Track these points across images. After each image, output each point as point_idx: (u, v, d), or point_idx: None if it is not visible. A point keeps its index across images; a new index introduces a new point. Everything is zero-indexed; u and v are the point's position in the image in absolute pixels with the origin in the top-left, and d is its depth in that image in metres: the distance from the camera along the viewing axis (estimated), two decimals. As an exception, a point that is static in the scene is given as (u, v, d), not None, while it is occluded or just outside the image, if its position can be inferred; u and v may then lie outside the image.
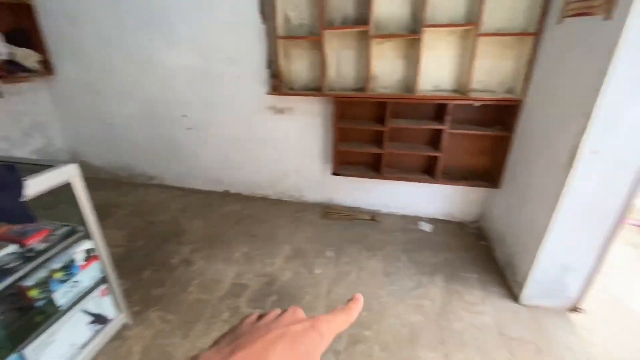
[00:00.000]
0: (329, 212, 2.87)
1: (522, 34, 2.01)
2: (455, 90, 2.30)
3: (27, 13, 2.85)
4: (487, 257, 2.33)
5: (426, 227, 2.69)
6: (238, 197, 3.18)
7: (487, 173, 2.48)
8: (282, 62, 2.41)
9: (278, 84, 2.46)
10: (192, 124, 3.01)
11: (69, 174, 1.35)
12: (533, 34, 1.96)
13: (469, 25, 2.02)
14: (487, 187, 2.42)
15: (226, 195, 3.22)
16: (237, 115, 2.85)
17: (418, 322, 1.79)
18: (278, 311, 0.32)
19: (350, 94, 2.37)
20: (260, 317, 0.31)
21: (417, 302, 1.93)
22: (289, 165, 2.96)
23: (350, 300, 0.35)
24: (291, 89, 2.57)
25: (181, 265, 2.22)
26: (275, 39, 2.32)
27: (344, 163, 2.74)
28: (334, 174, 2.65)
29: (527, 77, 2.04)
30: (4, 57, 2.68)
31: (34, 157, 3.16)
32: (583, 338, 1.72)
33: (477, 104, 2.19)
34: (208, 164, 3.17)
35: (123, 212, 2.89)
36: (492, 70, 2.20)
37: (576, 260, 1.75)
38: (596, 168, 1.52)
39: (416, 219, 2.80)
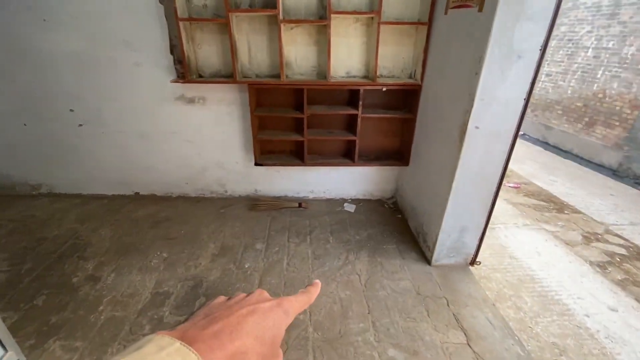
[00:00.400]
0: (256, 204, 2.81)
1: (417, 23, 2.20)
2: (365, 77, 2.43)
3: None
4: (403, 228, 2.58)
5: (350, 207, 2.84)
6: (152, 199, 2.89)
7: (398, 153, 2.71)
8: (186, 46, 2.21)
9: (184, 71, 2.26)
10: (83, 119, 2.59)
11: None
12: (425, 23, 2.16)
13: (372, 13, 2.13)
14: (399, 165, 2.65)
15: (137, 198, 2.89)
16: (140, 106, 2.54)
17: (347, 297, 1.90)
18: (244, 294, 0.34)
19: (265, 80, 2.32)
20: (229, 299, 0.33)
21: (346, 278, 2.04)
22: (208, 159, 2.78)
23: (309, 285, 0.40)
24: (200, 76, 2.39)
25: (86, 284, 1.93)
26: (176, 21, 2.11)
27: (266, 152, 2.69)
28: (257, 164, 2.59)
29: (424, 63, 2.26)
30: None
31: None
32: (481, 286, 2.05)
33: (384, 89, 2.36)
34: (110, 165, 2.78)
35: (1, 232, 2.37)
36: (394, 57, 2.38)
37: (470, 221, 2.06)
38: (479, 142, 1.79)
39: (341, 202, 2.93)
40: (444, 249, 2.15)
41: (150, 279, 1.98)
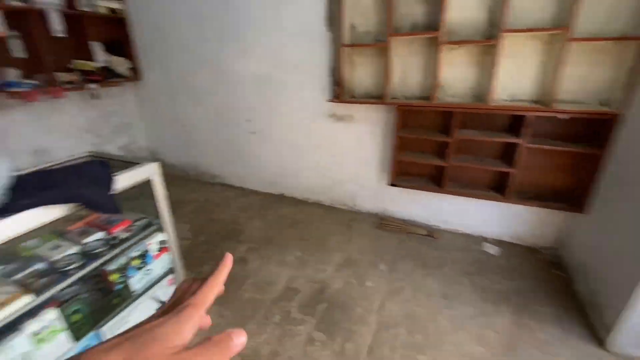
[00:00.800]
0: (384, 223, 2.78)
1: (623, 38, 1.74)
2: (536, 101, 2.08)
3: (123, 25, 3.26)
4: (564, 289, 2.05)
5: (492, 249, 2.46)
6: (292, 201, 3.25)
7: (569, 194, 2.19)
8: (345, 69, 2.41)
9: (340, 91, 2.46)
10: (255, 128, 3.16)
11: (151, 171, 1.48)
12: (637, 38, 1.69)
13: (557, 29, 1.81)
14: (569, 210, 2.13)
15: (281, 199, 3.31)
16: (298, 121, 2.92)
17: (480, 355, 1.63)
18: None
19: (414, 102, 2.28)
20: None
21: (479, 331, 1.76)
22: (345, 173, 2.94)
23: (220, 262, 0.36)
24: (353, 96, 2.56)
25: (238, 263, 2.32)
26: (339, 46, 2.33)
27: (403, 174, 2.63)
28: (392, 184, 2.56)
29: (630, 88, 1.76)
30: (102, 64, 3.08)
31: (121, 152, 3.58)
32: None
33: (564, 116, 1.95)
34: (266, 167, 3.29)
35: (189, 208, 3.13)
36: (582, 79, 1.95)
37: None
38: None
39: (479, 239, 2.58)
40: (631, 335, 1.59)
41: (285, 273, 2.22)
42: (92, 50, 2.97)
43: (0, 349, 1.04)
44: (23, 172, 1.27)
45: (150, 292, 1.63)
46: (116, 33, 3.27)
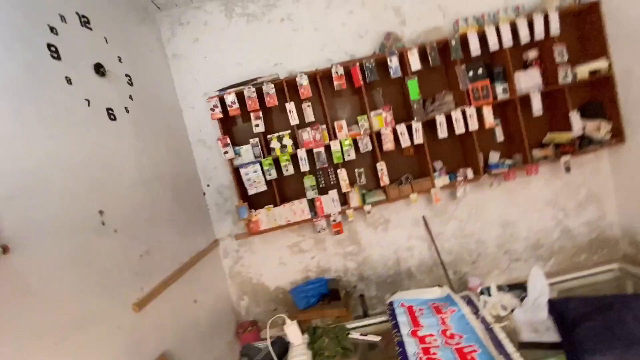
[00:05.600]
0: None
1: None
2: None
3: (604, 85, 2.77)
4: None
5: None
6: None
7: None
8: None
9: None
10: None
11: None
12: None
13: None
14: None
15: None
16: None
17: None
18: None
19: None
20: None
21: None
22: None
23: None
24: None
25: None
26: None
27: None
28: None
29: None
30: (578, 132, 2.76)
31: (585, 229, 3.04)
32: None
33: None
34: None
35: None
36: None
37: None
38: None
39: None
40: None
41: None
42: (568, 120, 2.76)
43: None
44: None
45: None
46: (595, 95, 2.86)
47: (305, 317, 2.70)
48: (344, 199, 2.88)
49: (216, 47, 2.94)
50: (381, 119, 2.70)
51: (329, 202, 2.82)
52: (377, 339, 1.18)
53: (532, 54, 2.83)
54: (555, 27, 2.64)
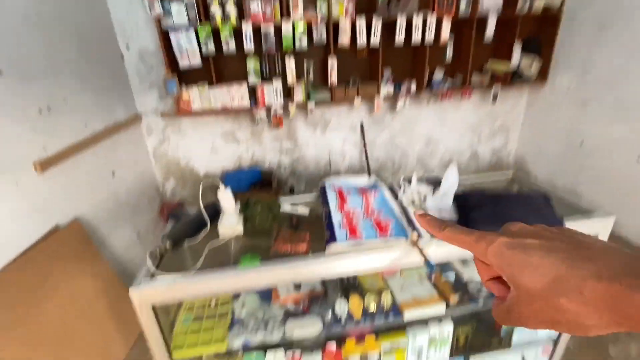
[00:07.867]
0: None
1: None
2: None
3: (551, 24, 2.89)
4: None
5: None
6: None
7: None
8: None
9: None
10: None
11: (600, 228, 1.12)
12: None
13: None
14: None
15: None
16: None
17: None
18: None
19: None
20: None
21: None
22: None
23: None
24: None
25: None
26: None
27: None
28: None
29: None
30: (514, 65, 2.94)
31: (490, 156, 3.53)
32: None
33: None
34: None
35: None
36: None
37: None
38: None
39: None
40: None
41: None
42: (511, 50, 2.88)
43: (407, 334, 1.19)
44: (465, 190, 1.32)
45: (524, 347, 1.39)
46: (539, 31, 2.99)
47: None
48: (287, 92, 2.73)
49: None
50: (342, 6, 2.43)
51: (272, 93, 2.65)
52: (306, 210, 1.27)
53: (503, -29, 2.71)
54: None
